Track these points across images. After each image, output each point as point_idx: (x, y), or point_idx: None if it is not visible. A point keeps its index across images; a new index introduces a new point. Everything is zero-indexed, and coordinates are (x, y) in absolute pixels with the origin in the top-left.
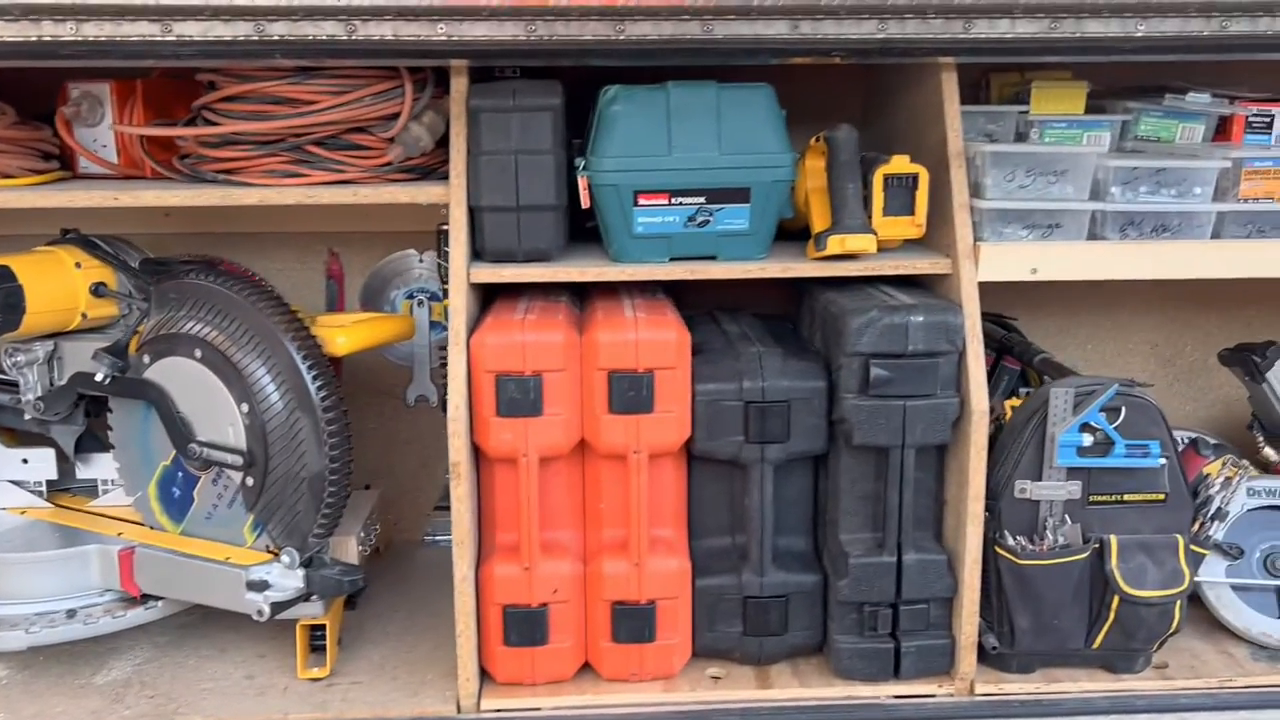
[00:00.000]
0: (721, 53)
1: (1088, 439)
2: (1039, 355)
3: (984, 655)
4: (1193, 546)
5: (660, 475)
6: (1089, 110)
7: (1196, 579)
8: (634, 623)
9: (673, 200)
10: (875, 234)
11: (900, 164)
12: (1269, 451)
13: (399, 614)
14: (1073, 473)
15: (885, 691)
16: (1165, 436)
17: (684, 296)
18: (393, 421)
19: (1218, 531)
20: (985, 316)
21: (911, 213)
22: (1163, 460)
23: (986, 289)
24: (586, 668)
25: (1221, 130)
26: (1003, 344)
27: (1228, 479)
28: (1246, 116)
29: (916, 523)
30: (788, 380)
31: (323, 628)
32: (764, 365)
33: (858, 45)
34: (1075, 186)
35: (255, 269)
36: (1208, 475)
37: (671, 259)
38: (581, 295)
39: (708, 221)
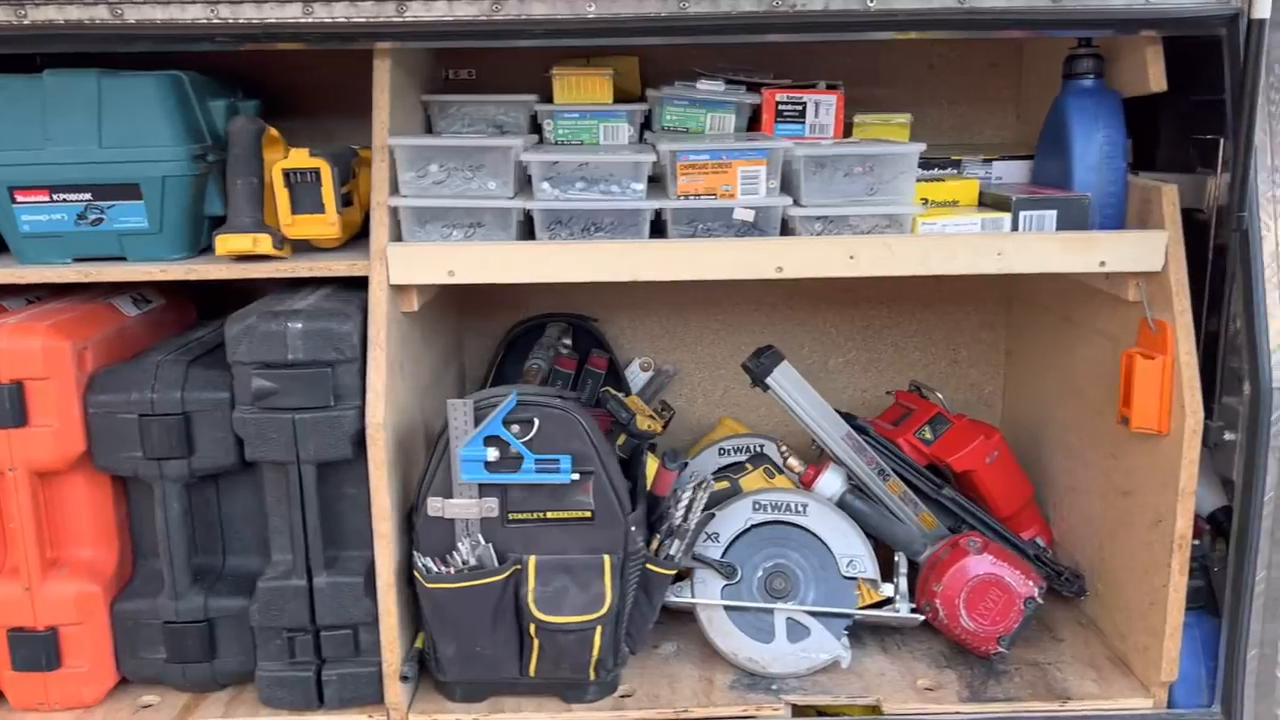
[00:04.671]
0: (139, 38)
1: (493, 453)
2: (534, 361)
3: (435, 684)
4: (651, 567)
5: (67, 493)
6: (639, 99)
7: (693, 599)
8: (29, 650)
9: (54, 197)
10: (271, 234)
11: (299, 158)
12: (793, 462)
13: None
14: (487, 489)
15: None
16: (587, 450)
17: None
18: None
19: (678, 550)
20: (565, 317)
21: (323, 210)
22: (575, 476)
23: (585, 290)
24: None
25: (757, 119)
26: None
27: (694, 494)
28: (777, 104)
29: (339, 543)
30: (184, 391)
31: None
32: (160, 375)
33: (285, 31)
34: (498, 182)
35: None
36: (677, 490)
37: (76, 259)
38: None
39: (101, 220)
